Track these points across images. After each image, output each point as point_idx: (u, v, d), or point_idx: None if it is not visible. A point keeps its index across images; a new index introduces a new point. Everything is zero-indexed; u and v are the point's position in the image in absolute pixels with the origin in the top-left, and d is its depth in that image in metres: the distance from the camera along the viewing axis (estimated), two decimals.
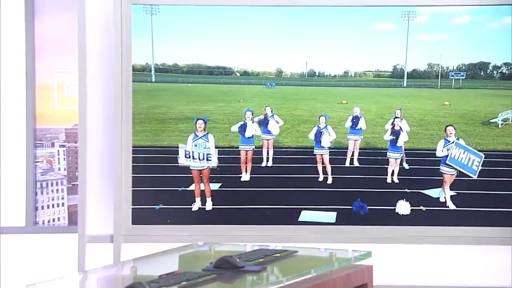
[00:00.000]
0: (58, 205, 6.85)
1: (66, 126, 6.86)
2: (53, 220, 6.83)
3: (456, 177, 6.29)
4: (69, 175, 6.85)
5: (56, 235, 6.71)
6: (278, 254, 4.00)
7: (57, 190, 6.85)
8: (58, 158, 6.87)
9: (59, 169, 6.87)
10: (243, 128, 6.38)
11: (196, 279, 3.43)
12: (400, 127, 6.35)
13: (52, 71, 6.81)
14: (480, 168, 6.25)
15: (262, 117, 6.35)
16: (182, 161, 6.30)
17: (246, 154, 6.40)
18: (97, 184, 6.36)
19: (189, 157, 6.29)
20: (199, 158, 6.28)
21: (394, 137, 6.35)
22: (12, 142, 6.77)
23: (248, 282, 3.55)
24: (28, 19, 6.75)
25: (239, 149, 6.41)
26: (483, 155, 6.25)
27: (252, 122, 6.35)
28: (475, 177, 6.26)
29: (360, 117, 6.40)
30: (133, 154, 6.26)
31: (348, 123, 6.40)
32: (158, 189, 6.33)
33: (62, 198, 6.86)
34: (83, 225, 6.27)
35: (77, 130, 6.40)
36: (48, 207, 6.83)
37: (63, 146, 6.88)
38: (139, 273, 3.79)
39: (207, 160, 6.28)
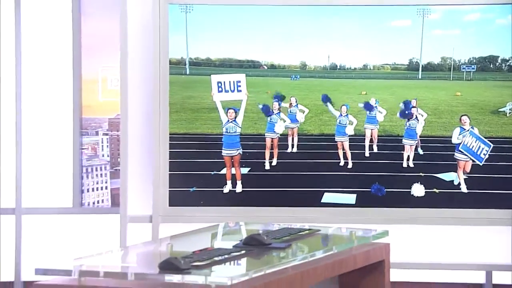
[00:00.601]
0: (102, 188, 6.86)
1: (109, 116, 6.88)
2: (98, 202, 6.85)
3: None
4: (111, 160, 6.86)
5: (100, 216, 6.74)
6: (302, 233, 4.00)
7: (101, 174, 6.87)
8: (102, 145, 6.89)
9: (102, 155, 6.89)
10: (267, 109, 6.38)
11: (227, 254, 3.44)
12: (416, 116, 6.30)
13: (97, 66, 6.83)
14: (487, 156, 6.21)
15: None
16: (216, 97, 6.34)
17: (272, 141, 6.37)
18: (137, 168, 6.36)
19: (222, 90, 6.31)
20: (230, 89, 6.29)
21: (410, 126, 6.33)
22: (60, 131, 6.80)
23: (274, 258, 3.55)
24: (75, 20, 6.77)
25: (265, 136, 6.38)
26: (492, 145, 6.21)
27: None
28: (481, 164, 6.22)
29: (376, 106, 6.37)
30: (169, 141, 6.26)
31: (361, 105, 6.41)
32: (193, 173, 6.32)
33: (106, 182, 6.88)
34: (125, 207, 6.28)
35: (119, 119, 6.41)
36: (93, 190, 6.85)
37: (106, 134, 6.90)
38: (175, 249, 3.80)
39: (238, 90, 6.29)
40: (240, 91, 6.33)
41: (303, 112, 6.37)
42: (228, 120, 6.30)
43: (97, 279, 3.15)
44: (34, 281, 3.23)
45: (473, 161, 6.25)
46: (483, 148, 6.24)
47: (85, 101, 6.81)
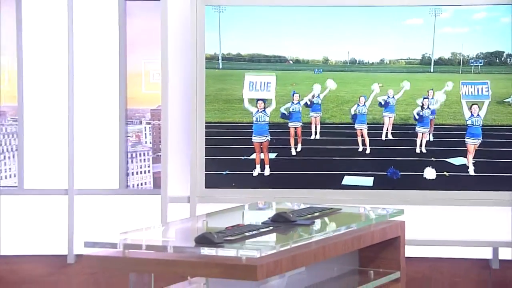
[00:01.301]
0: (145, 172, 6.88)
1: (151, 107, 6.90)
2: (141, 184, 6.87)
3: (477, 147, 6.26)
4: (153, 147, 6.88)
5: (143, 197, 6.76)
6: (324, 211, 3.98)
7: (144, 159, 6.89)
8: (145, 133, 6.91)
9: (145, 142, 6.91)
10: (284, 116, 6.39)
11: (256, 230, 3.43)
12: (428, 106, 6.29)
13: (140, 61, 6.84)
14: (490, 91, 6.25)
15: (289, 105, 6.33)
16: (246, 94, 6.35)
17: (295, 130, 6.36)
18: (176, 154, 6.39)
19: (253, 89, 6.32)
20: (261, 88, 6.30)
21: (422, 114, 6.30)
22: (108, 120, 6.81)
23: (299, 233, 3.53)
24: (122, 20, 6.78)
25: (289, 125, 6.38)
26: (488, 81, 6.26)
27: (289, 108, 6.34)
28: (489, 100, 6.25)
29: (393, 97, 6.35)
30: (205, 129, 6.27)
31: (381, 99, 6.37)
32: (226, 158, 6.33)
33: (148, 166, 6.89)
34: (165, 189, 6.32)
35: (160, 110, 6.43)
36: (137, 173, 6.86)
37: (149, 123, 6.91)
38: (210, 225, 3.79)
39: (267, 90, 6.30)
40: (270, 91, 6.33)
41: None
42: (258, 110, 6.30)
43: (139, 252, 3.16)
44: (84, 254, 3.25)
45: (484, 146, 6.24)
46: (481, 89, 6.26)
47: (130, 93, 6.83)
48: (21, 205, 6.76)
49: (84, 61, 6.76)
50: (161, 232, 3.81)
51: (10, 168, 6.80)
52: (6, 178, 6.80)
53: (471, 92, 6.28)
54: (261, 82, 6.31)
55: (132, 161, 6.85)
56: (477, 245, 6.39)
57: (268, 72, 6.35)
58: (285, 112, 6.33)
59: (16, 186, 6.78)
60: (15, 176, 6.78)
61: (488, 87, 6.24)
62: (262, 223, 3.62)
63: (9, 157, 6.80)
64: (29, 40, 6.76)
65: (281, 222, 3.61)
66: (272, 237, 3.42)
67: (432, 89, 6.31)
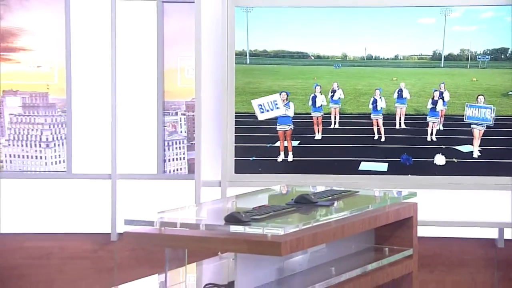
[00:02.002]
0: (180, 158, 6.88)
1: (186, 99, 6.89)
2: (177, 169, 6.87)
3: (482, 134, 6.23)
4: (188, 136, 6.87)
5: (179, 181, 6.76)
6: (343, 193, 3.96)
7: (179, 147, 6.89)
8: (180, 124, 6.90)
9: (181, 132, 6.90)
10: (313, 99, 6.31)
11: (281, 210, 3.42)
12: (439, 97, 6.26)
13: (176, 58, 6.83)
14: (493, 115, 6.16)
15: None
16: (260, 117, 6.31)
17: (317, 119, 6.32)
18: (208, 142, 6.38)
19: (263, 111, 6.29)
20: (270, 108, 6.28)
21: (433, 105, 6.25)
22: (147, 111, 6.83)
23: (320, 213, 3.52)
24: (159, 19, 6.79)
25: (312, 115, 6.33)
26: (493, 107, 6.16)
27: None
28: (491, 124, 6.18)
29: (404, 89, 6.31)
30: (235, 118, 6.26)
31: (395, 95, 6.30)
32: (253, 145, 6.31)
33: (183, 153, 6.89)
34: (199, 174, 6.30)
35: (194, 102, 6.44)
36: (173, 160, 6.87)
37: (184, 114, 6.90)
38: (238, 206, 3.78)
39: (276, 108, 6.27)
40: (278, 108, 6.28)
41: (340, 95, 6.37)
42: (284, 103, 6.30)
43: (174, 229, 3.16)
44: (125, 231, 3.25)
45: (483, 124, 6.19)
46: (485, 112, 6.17)
47: (167, 87, 6.83)
48: (69, 188, 6.80)
49: (125, 58, 6.78)
50: (194, 211, 3.81)
51: (59, 155, 6.83)
52: (56, 163, 6.82)
53: (475, 114, 6.22)
54: (268, 103, 6.29)
55: (168, 149, 6.86)
56: (484, 226, 6.33)
57: (287, 60, 6.35)
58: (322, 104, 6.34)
59: (65, 171, 6.81)
60: (64, 162, 6.81)
61: (491, 112, 6.17)
62: (286, 204, 3.61)
63: (58, 145, 6.83)
64: (76, 40, 6.78)
65: (303, 203, 3.60)
66: (295, 216, 3.41)
67: (444, 82, 6.26)
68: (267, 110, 6.30)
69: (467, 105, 6.21)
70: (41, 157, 6.82)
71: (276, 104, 6.28)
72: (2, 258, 6.66)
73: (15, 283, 6.62)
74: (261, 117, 6.29)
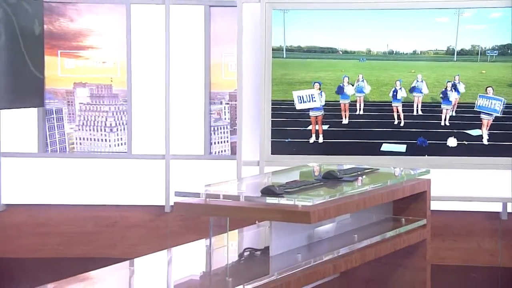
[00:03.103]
0: (224, 141, 6.87)
1: (229, 90, 6.87)
2: (221, 151, 6.86)
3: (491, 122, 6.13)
4: (231, 122, 6.85)
5: (223, 161, 6.76)
6: (365, 170, 3.92)
7: (223, 132, 6.88)
8: (224, 111, 6.89)
9: (225, 118, 6.89)
10: (340, 89, 6.25)
11: (310, 184, 3.39)
12: (451, 88, 6.17)
13: (221, 54, 6.81)
14: (502, 107, 6.07)
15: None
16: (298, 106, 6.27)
17: (345, 106, 6.26)
18: (248, 127, 6.36)
19: (302, 102, 6.25)
20: (307, 100, 6.24)
21: (442, 95, 6.19)
22: (196, 100, 6.84)
23: (344, 187, 3.48)
24: (207, 21, 6.78)
25: (340, 102, 6.27)
26: (503, 99, 6.07)
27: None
28: (499, 115, 6.08)
29: (422, 81, 6.22)
30: (271, 105, 6.22)
31: (414, 84, 6.24)
32: (288, 128, 6.27)
33: (227, 137, 6.88)
34: (240, 155, 6.29)
35: (236, 92, 6.40)
36: (218, 143, 6.86)
37: (228, 103, 6.89)
38: (273, 180, 3.75)
39: (313, 100, 6.23)
40: (315, 101, 6.23)
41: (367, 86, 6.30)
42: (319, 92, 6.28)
43: (218, 200, 3.14)
44: (176, 202, 3.24)
45: (492, 115, 6.09)
46: (495, 103, 6.07)
47: (213, 80, 6.82)
48: (129, 167, 6.84)
49: (177, 55, 6.79)
50: (235, 185, 3.80)
51: (121, 138, 6.87)
52: (118, 145, 6.86)
53: (486, 104, 6.12)
54: (306, 95, 6.25)
55: (214, 133, 6.85)
56: (489, 201, 6.28)
57: (319, 55, 6.29)
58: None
59: (126, 152, 6.85)
60: (125, 144, 6.85)
61: (501, 104, 6.07)
62: (315, 179, 3.58)
63: (120, 130, 6.86)
64: (135, 39, 6.80)
65: (330, 178, 3.57)
66: (323, 190, 3.39)
67: (458, 75, 6.17)
68: (305, 102, 6.26)
69: (479, 95, 6.13)
70: (105, 140, 6.87)
71: (313, 97, 6.24)
72: (76, 226, 6.73)
73: (86, 246, 6.70)
74: (299, 106, 6.24)
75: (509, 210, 6.36)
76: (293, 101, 6.23)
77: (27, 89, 4.93)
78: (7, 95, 4.84)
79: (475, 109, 6.12)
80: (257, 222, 3.53)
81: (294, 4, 6.24)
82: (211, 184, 3.42)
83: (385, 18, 6.25)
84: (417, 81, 6.23)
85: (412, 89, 6.21)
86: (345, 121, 6.26)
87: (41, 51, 5.04)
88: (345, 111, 6.27)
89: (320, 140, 6.25)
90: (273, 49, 6.24)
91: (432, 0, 6.17)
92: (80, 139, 6.89)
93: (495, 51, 6.13)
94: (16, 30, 4.79)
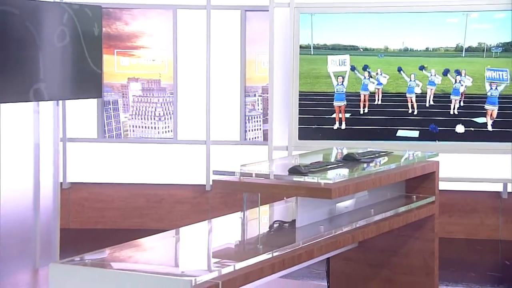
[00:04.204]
0: (257, 129, 6.86)
1: (262, 84, 6.83)
2: (255, 137, 6.85)
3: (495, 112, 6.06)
4: (263, 112, 6.83)
5: (256, 146, 6.74)
6: (381, 153, 3.89)
7: (257, 120, 6.86)
8: (258, 103, 6.87)
9: (258, 109, 6.88)
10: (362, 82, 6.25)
11: (332, 165, 3.39)
12: (459, 81, 6.09)
13: (255, 52, 6.79)
14: (509, 76, 6.00)
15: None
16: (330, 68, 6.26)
17: (365, 97, 6.22)
18: (278, 116, 6.35)
19: (334, 65, 6.26)
20: (339, 64, 6.23)
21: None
22: (233, 93, 6.82)
23: (362, 167, 3.47)
24: (243, 23, 6.75)
25: (360, 93, 6.24)
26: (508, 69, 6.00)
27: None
28: (508, 83, 5.99)
29: (435, 75, 6.15)
30: (299, 96, 6.22)
31: (428, 75, 6.18)
32: (314, 116, 6.25)
33: (260, 125, 6.87)
34: (271, 140, 6.29)
35: (268, 86, 6.38)
36: (252, 130, 6.85)
37: (261, 96, 6.86)
38: (299, 162, 3.75)
39: (344, 65, 6.21)
40: (346, 65, 6.21)
41: (386, 77, 6.25)
42: (338, 83, 6.22)
43: (250, 178, 3.14)
44: (214, 180, 3.25)
45: (495, 103, 6.02)
46: (502, 74, 5.99)
47: (248, 75, 6.80)
48: (175, 151, 6.86)
49: (217, 53, 6.78)
50: (266, 166, 3.81)
51: (168, 126, 6.90)
52: (165, 132, 6.89)
53: (493, 76, 6.03)
54: (339, 60, 6.21)
55: (249, 122, 6.84)
56: (491, 181, 6.21)
57: (343, 51, 6.25)
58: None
59: (172, 138, 6.87)
60: (171, 131, 6.87)
61: (507, 74, 5.98)
62: (336, 160, 3.57)
63: (167, 119, 6.89)
64: (181, 39, 6.81)
65: (350, 160, 3.55)
66: (343, 169, 3.37)
67: (465, 69, 6.09)
68: (336, 65, 6.21)
69: (487, 68, 6.03)
70: (155, 128, 6.90)
71: (345, 61, 6.19)
72: (129, 201, 6.79)
73: (139, 219, 6.75)
74: (331, 68, 6.21)
75: (509, 190, 6.28)
76: (320, 91, 6.23)
77: (87, 83, 4.98)
78: (71, 87, 4.89)
79: (486, 81, 6.03)
80: (285, 198, 3.53)
81: (319, 8, 6.21)
82: (245, 164, 3.43)
83: (401, 20, 6.20)
84: (431, 75, 6.16)
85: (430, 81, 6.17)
86: (365, 110, 6.23)
87: (100, 50, 5.07)
88: (365, 101, 6.23)
89: (343, 126, 6.23)
90: (301, 47, 6.21)
91: (443, 4, 6.10)
92: (133, 126, 6.94)
93: (499, 48, 6.03)
94: (79, 32, 4.83)
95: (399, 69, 6.19)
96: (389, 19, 6.21)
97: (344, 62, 6.19)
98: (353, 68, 6.22)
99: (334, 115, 6.24)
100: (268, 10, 6.28)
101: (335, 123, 6.23)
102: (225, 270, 2.48)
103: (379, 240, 3.64)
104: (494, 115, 6.02)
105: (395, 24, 6.20)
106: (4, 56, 4.31)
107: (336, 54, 6.23)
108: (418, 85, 6.14)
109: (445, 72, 6.11)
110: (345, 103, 6.23)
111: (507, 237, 6.30)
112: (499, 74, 5.99)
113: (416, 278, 3.72)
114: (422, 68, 6.11)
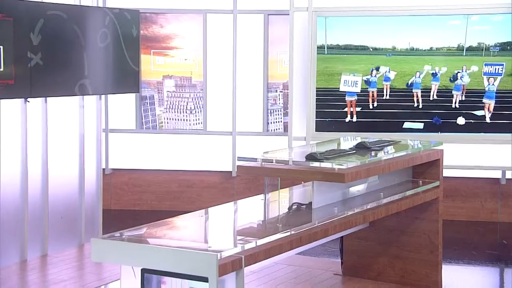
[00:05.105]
0: (278, 121, 6.80)
1: (283, 81, 6.76)
2: (276, 129, 6.79)
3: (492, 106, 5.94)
4: (284, 106, 6.77)
5: (277, 136, 6.68)
6: (390, 142, 3.84)
7: (278, 114, 6.80)
8: (279, 98, 6.81)
9: (279, 103, 6.81)
10: (368, 80, 6.15)
11: (345, 152, 3.36)
12: (461, 77, 5.99)
13: (276, 52, 6.72)
14: (504, 70, 5.88)
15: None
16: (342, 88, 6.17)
17: (374, 92, 6.13)
18: (297, 110, 6.29)
19: (346, 85, 6.16)
20: (351, 85, 6.13)
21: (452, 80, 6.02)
22: (256, 89, 6.76)
23: (373, 155, 3.41)
24: (265, 26, 6.68)
25: (368, 90, 6.14)
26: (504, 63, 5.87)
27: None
28: (502, 76, 5.89)
29: (438, 72, 6.04)
30: (316, 92, 6.15)
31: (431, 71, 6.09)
32: (328, 110, 6.17)
33: (281, 118, 6.80)
34: (291, 131, 6.24)
35: (288, 83, 6.32)
36: (273, 122, 6.79)
37: (281, 91, 6.79)
38: (316, 149, 3.71)
39: (355, 86, 6.11)
40: (357, 86, 6.10)
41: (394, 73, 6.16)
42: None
43: (271, 163, 3.12)
44: (238, 165, 3.21)
45: (492, 97, 5.90)
46: (498, 68, 5.89)
47: (270, 73, 6.73)
48: (205, 141, 6.84)
49: (242, 53, 6.73)
50: (286, 153, 3.76)
51: (198, 119, 6.87)
52: (196, 124, 6.87)
53: (490, 70, 5.91)
54: (351, 81, 6.13)
55: (271, 115, 6.78)
56: (491, 169, 6.09)
57: (357, 74, 6.13)
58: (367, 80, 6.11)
59: (202, 129, 6.85)
60: (201, 123, 6.85)
61: (503, 67, 5.85)
62: (349, 148, 3.52)
63: (198, 112, 6.87)
64: (210, 40, 6.77)
65: (361, 148, 3.51)
66: (355, 156, 3.33)
67: (465, 65, 5.99)
68: (349, 86, 6.14)
69: (484, 64, 5.92)
70: (186, 120, 6.89)
71: (357, 84, 6.12)
72: (164, 186, 6.79)
73: (172, 202, 6.76)
74: (343, 88, 6.14)
75: (507, 176, 6.17)
76: (333, 87, 6.15)
77: (126, 79, 4.97)
78: (112, 83, 4.89)
79: (482, 76, 5.91)
80: (302, 182, 3.49)
81: (334, 12, 6.14)
82: (267, 151, 3.40)
83: (407, 22, 6.09)
84: (435, 72, 6.07)
85: (433, 76, 6.07)
86: (374, 104, 6.14)
87: (137, 50, 5.06)
88: (374, 96, 6.15)
89: (354, 119, 6.15)
90: (317, 47, 6.13)
91: (446, 7, 5.99)
92: (167, 119, 6.93)
93: (497, 48, 5.93)
94: (119, 33, 4.82)
95: (408, 85, 6.12)
96: (396, 21, 6.11)
97: (356, 83, 6.10)
98: (377, 68, 6.14)
99: (346, 109, 6.16)
100: (288, 14, 6.22)
101: (347, 116, 6.15)
102: (247, 246, 2.48)
103: (388, 220, 3.59)
104: (491, 109, 5.92)
105: (402, 26, 6.10)
106: (53, 55, 4.33)
107: (350, 74, 6.13)
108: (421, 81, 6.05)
109: (453, 79, 6.01)
110: (356, 98, 6.15)
111: (504, 219, 6.21)
112: (495, 68, 5.88)
113: (422, 255, 3.66)
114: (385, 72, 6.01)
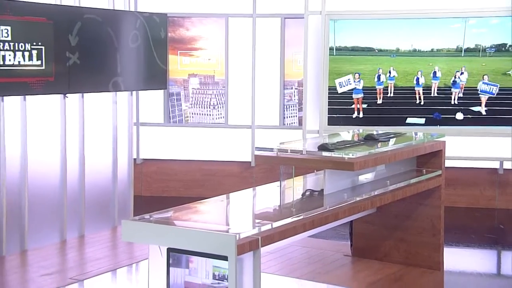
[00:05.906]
0: (293, 116, 6.73)
1: (298, 79, 6.69)
2: (291, 123, 6.72)
3: (487, 100, 5.85)
4: (298, 102, 6.69)
5: (292, 130, 6.62)
6: (396, 134, 3.74)
7: (293, 109, 6.73)
8: (294, 94, 6.73)
9: (294, 99, 6.74)
10: (377, 77, 6.05)
11: (354, 143, 3.27)
12: (458, 77, 5.90)
13: (292, 52, 6.64)
14: (497, 91, 5.81)
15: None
16: (339, 90, 6.09)
17: (379, 90, 6.06)
18: (311, 105, 6.23)
19: (342, 86, 6.08)
20: (345, 84, 6.05)
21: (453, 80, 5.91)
22: (273, 86, 6.70)
23: (380, 145, 3.32)
24: (282, 29, 6.62)
25: (376, 87, 6.06)
26: (498, 85, 5.81)
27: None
28: (494, 95, 5.84)
29: (438, 71, 5.96)
30: (329, 89, 6.08)
31: (432, 74, 5.99)
32: (338, 107, 6.10)
33: (296, 113, 6.73)
34: (305, 125, 6.18)
35: (302, 80, 6.25)
36: (289, 117, 6.72)
37: (297, 88, 6.72)
38: (327, 141, 3.63)
39: (349, 84, 6.03)
40: (350, 84, 6.05)
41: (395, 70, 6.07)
42: (355, 80, 6.05)
43: (286, 153, 3.05)
44: (256, 155, 3.15)
45: (490, 96, 5.83)
46: (492, 88, 5.79)
47: (286, 71, 6.66)
48: (226, 133, 6.80)
49: (261, 53, 6.67)
50: (300, 144, 3.69)
51: (221, 113, 6.83)
52: (218, 118, 6.84)
53: (486, 89, 5.83)
54: (344, 81, 6.05)
55: (287, 109, 6.72)
56: (489, 160, 6.00)
57: (359, 52, 6.05)
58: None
59: (224, 123, 6.81)
60: (223, 118, 6.81)
61: (496, 89, 5.77)
62: (357, 140, 3.44)
63: (220, 107, 6.83)
64: (231, 42, 6.72)
65: (369, 139, 3.43)
66: (363, 147, 3.24)
67: (465, 67, 5.89)
68: (344, 86, 6.06)
69: (482, 82, 5.84)
70: (210, 114, 6.85)
71: (349, 81, 6.03)
72: (189, 175, 6.78)
73: (196, 189, 6.74)
74: (340, 90, 6.06)
75: (505, 167, 6.08)
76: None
77: (155, 77, 4.94)
78: (142, 80, 4.87)
79: (478, 92, 5.83)
80: (315, 170, 3.41)
81: (343, 15, 6.07)
82: (282, 142, 3.33)
83: (410, 25, 6.00)
84: (435, 71, 5.96)
85: (433, 75, 5.98)
86: (379, 101, 6.06)
87: (165, 50, 5.03)
88: (379, 94, 6.07)
89: (360, 115, 6.08)
90: (329, 49, 6.08)
91: (446, 11, 5.89)
92: (192, 113, 6.90)
93: (493, 49, 5.84)
94: (148, 35, 4.79)
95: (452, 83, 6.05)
96: (400, 24, 6.02)
97: (348, 81, 6.03)
98: (393, 55, 6.07)
99: (353, 106, 6.08)
100: (303, 17, 6.15)
101: (353, 113, 6.07)
102: (264, 228, 2.42)
103: (394, 206, 3.51)
104: (484, 101, 5.84)
105: (405, 29, 6.02)
106: (89, 55, 4.31)
107: (342, 77, 6.05)
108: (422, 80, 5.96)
109: (456, 85, 5.92)
110: (362, 95, 6.07)
111: (502, 206, 6.12)
112: (490, 88, 5.80)
113: (425, 238, 3.58)
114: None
